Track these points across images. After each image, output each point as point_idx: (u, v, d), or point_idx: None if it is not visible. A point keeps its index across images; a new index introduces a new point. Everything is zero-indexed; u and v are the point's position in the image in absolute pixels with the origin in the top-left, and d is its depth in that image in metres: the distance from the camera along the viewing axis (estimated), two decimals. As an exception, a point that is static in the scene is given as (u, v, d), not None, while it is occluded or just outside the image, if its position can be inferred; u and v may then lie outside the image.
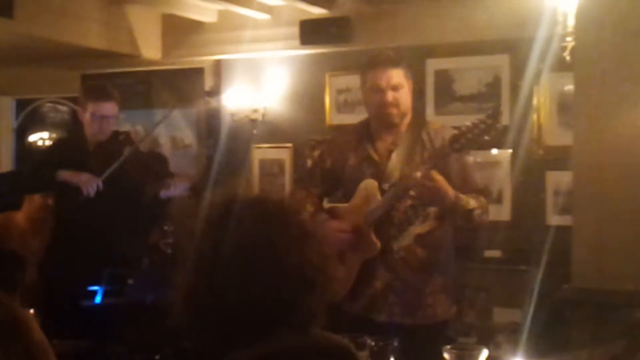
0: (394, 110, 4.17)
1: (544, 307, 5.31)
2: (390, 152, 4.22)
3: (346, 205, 4.35)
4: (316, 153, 4.83)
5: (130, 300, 5.87)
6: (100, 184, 5.20)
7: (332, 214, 4.32)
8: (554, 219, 6.59)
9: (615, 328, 4.43)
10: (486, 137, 3.91)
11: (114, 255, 5.43)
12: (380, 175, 4.18)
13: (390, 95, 4.14)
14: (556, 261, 5.38)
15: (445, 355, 2.89)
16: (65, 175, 5.26)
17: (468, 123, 3.97)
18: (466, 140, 3.90)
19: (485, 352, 2.87)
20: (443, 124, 4.47)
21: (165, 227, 7.32)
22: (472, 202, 4.05)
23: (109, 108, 5.34)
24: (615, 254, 4.76)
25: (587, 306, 4.66)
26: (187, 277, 1.95)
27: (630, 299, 4.61)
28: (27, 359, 2.01)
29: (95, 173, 5.27)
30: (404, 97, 4.19)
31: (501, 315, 6.73)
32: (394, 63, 4.20)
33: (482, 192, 4.24)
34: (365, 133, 4.32)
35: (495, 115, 3.93)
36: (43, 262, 5.53)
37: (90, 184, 5.20)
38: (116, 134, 5.48)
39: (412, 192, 4.09)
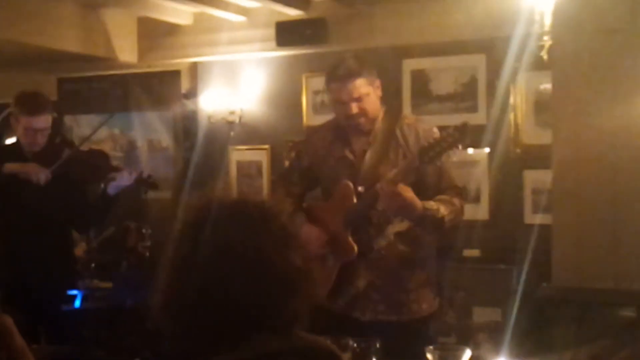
0: (362, 120, 4.10)
1: (524, 306, 5.32)
2: (365, 152, 4.19)
3: (324, 204, 4.33)
4: (293, 154, 4.75)
5: (109, 304, 5.86)
6: (49, 173, 5.07)
7: (310, 214, 4.29)
8: (532, 218, 6.61)
9: (598, 327, 4.43)
10: (456, 149, 3.86)
11: (67, 258, 5.37)
12: (355, 175, 4.15)
13: (354, 107, 4.05)
14: (535, 260, 5.39)
15: (428, 355, 2.87)
16: (12, 167, 5.07)
17: (437, 135, 3.95)
18: (435, 153, 3.84)
19: (468, 352, 2.86)
20: (418, 117, 4.43)
21: (143, 230, 7.30)
22: (442, 210, 3.99)
23: (42, 121, 5.15)
24: (595, 252, 4.76)
25: (569, 305, 4.65)
26: (167, 281, 1.93)
27: (612, 297, 4.61)
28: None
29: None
30: (371, 104, 4.10)
31: (480, 315, 6.73)
32: (355, 74, 4.05)
33: (459, 191, 4.21)
34: (340, 133, 4.28)
35: (464, 127, 3.85)
36: None
37: (38, 172, 5.06)
38: (52, 138, 5.34)
39: (380, 204, 4.06)
